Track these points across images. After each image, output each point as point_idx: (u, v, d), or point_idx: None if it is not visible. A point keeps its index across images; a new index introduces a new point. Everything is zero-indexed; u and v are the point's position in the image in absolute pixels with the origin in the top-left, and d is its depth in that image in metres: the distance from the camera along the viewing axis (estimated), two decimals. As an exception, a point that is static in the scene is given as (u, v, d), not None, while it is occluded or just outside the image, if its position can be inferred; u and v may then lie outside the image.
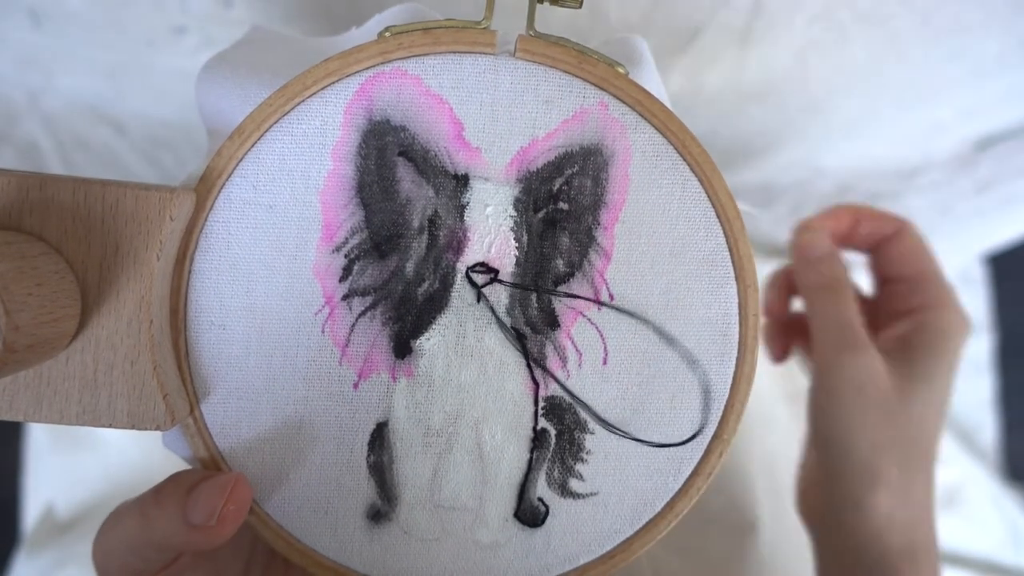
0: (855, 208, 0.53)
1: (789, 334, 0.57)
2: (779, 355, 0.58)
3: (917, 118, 0.77)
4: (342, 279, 0.35)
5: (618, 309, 0.35)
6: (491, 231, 0.35)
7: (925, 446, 0.47)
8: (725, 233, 0.35)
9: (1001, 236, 1.00)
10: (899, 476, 0.46)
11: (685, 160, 0.35)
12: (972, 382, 1.19)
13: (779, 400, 0.80)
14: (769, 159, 0.80)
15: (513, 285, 0.35)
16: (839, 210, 0.53)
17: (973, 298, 1.18)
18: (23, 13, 0.58)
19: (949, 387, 0.48)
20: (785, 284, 0.55)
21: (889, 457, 0.45)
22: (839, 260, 0.51)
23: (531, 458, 0.36)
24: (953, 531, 1.09)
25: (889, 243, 0.52)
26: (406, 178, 0.34)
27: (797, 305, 0.57)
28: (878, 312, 0.52)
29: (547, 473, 0.36)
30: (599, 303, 0.35)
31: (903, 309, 0.50)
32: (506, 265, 0.35)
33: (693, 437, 0.36)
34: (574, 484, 0.36)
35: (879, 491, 0.45)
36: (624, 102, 0.34)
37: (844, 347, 0.46)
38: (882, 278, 0.53)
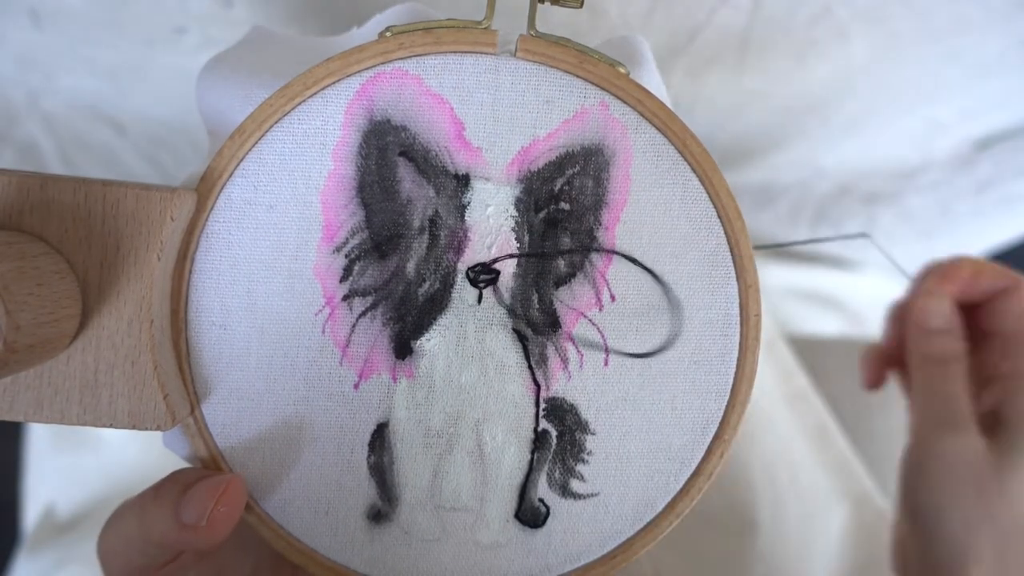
0: (977, 264, 0.49)
1: (891, 363, 0.54)
2: (875, 382, 0.56)
3: (917, 118, 0.77)
4: (343, 279, 0.35)
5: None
6: (492, 231, 0.35)
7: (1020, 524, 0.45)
8: (726, 233, 0.35)
9: (1001, 236, 1.00)
10: (993, 556, 0.44)
11: (686, 160, 0.35)
12: (972, 382, 1.18)
13: (780, 401, 0.80)
14: (769, 158, 0.81)
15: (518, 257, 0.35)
16: (960, 267, 0.49)
17: (973, 298, 1.18)
18: (23, 12, 0.58)
19: None
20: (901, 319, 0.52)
21: (983, 536, 0.44)
22: (958, 334, 0.48)
23: (532, 459, 0.36)
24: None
25: (1000, 299, 0.48)
26: (407, 178, 0.34)
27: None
28: (974, 368, 0.49)
29: (548, 474, 0.36)
30: (600, 305, 0.35)
31: (995, 371, 0.48)
32: (507, 265, 0.35)
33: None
34: (575, 485, 0.36)
35: (971, 570, 0.44)
36: (625, 102, 0.34)
37: (945, 425, 0.45)
38: (982, 332, 0.49)
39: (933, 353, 0.47)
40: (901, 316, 0.52)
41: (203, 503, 0.32)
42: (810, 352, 0.86)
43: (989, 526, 0.44)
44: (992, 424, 0.46)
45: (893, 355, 0.53)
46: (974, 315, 0.49)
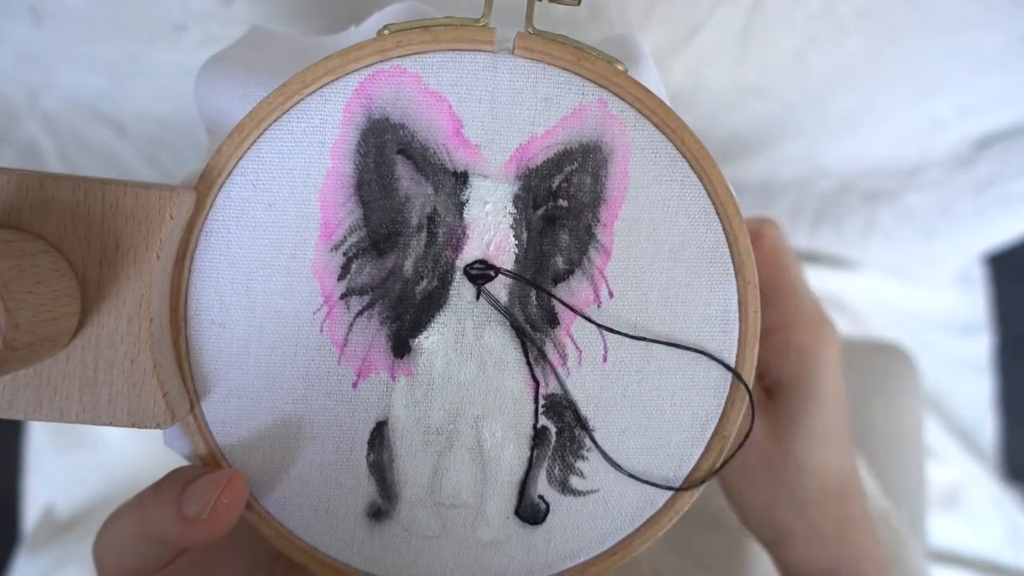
0: None
1: None
2: None
3: (917, 115, 0.77)
4: (340, 277, 0.35)
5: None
6: (490, 228, 0.35)
7: (822, 477, 0.44)
8: (724, 229, 0.35)
9: (1001, 236, 1.00)
10: (803, 525, 0.44)
11: (684, 157, 0.35)
12: (972, 382, 1.19)
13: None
14: (768, 154, 0.81)
15: (513, 276, 0.35)
16: None
17: (973, 298, 1.18)
18: (23, 10, 0.58)
19: (836, 410, 0.44)
20: None
21: (786, 513, 0.44)
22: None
23: (531, 456, 0.36)
24: (953, 531, 1.09)
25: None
26: (405, 176, 0.34)
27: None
28: None
29: (548, 471, 0.36)
30: (598, 302, 0.35)
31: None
32: (505, 262, 0.35)
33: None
34: (575, 481, 0.36)
35: (790, 547, 0.45)
36: (623, 99, 0.34)
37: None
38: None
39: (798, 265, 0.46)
40: None
41: (205, 496, 0.32)
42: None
43: (787, 501, 0.44)
44: (768, 391, 0.45)
45: None
46: None
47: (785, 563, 0.46)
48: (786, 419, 0.44)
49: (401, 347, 0.35)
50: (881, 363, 0.88)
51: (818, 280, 1.09)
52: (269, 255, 0.35)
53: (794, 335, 0.44)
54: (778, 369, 0.45)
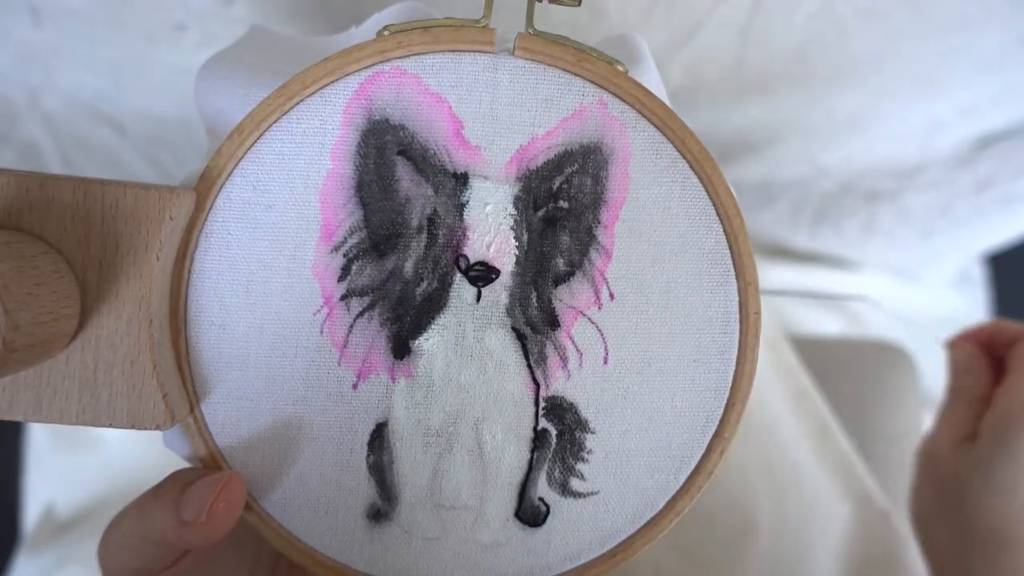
0: (998, 325, 0.58)
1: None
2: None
3: (917, 115, 0.77)
4: (341, 279, 0.35)
5: None
6: (491, 230, 0.35)
7: None
8: (725, 231, 0.35)
9: (1001, 236, 1.00)
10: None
11: (684, 158, 0.35)
12: (972, 382, 1.18)
13: (781, 401, 0.80)
14: (769, 154, 0.81)
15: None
16: (983, 328, 0.58)
17: (973, 298, 1.18)
18: (23, 10, 0.58)
19: None
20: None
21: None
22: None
23: (532, 458, 0.36)
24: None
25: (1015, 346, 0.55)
26: (405, 177, 0.34)
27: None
28: None
29: (548, 473, 0.36)
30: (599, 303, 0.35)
31: None
32: (506, 264, 0.35)
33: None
34: (575, 484, 0.36)
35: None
36: (623, 100, 0.34)
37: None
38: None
39: None
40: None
41: (202, 499, 0.32)
42: (810, 352, 0.86)
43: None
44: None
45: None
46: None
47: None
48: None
49: (401, 349, 0.35)
50: (881, 363, 0.88)
51: (818, 280, 1.09)
52: (269, 256, 0.34)
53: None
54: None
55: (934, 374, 1.13)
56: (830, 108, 0.75)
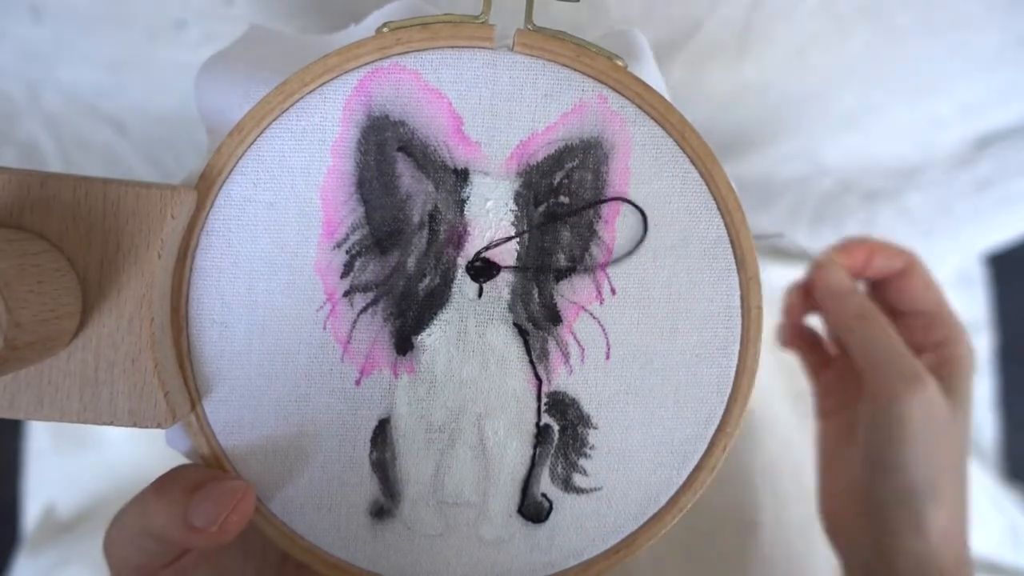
0: (868, 243, 0.53)
1: (802, 338, 0.59)
2: (788, 342, 0.60)
3: (916, 114, 0.77)
4: (343, 275, 0.35)
5: None
6: (492, 226, 0.35)
7: (965, 463, 0.49)
8: (726, 224, 0.35)
9: (1001, 235, 1.00)
10: (953, 493, 0.47)
11: (685, 152, 0.35)
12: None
13: (781, 399, 0.80)
14: (768, 152, 0.80)
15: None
16: (853, 245, 0.54)
17: (973, 298, 1.18)
18: (23, 7, 0.58)
19: (971, 415, 0.50)
20: (804, 295, 0.56)
21: (948, 477, 0.47)
22: (864, 294, 0.52)
23: (534, 454, 0.36)
24: (953, 531, 1.09)
25: (900, 278, 0.53)
26: (406, 173, 0.34)
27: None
28: None
29: (550, 469, 0.36)
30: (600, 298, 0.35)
31: (925, 343, 0.51)
32: (507, 260, 0.35)
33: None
34: (578, 479, 0.36)
35: (941, 510, 0.46)
36: (623, 95, 0.34)
37: (908, 379, 0.47)
38: (894, 312, 0.53)
39: (859, 309, 0.50)
40: (805, 293, 0.55)
41: (217, 509, 0.32)
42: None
43: (952, 468, 0.47)
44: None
45: (802, 334, 0.59)
46: (887, 299, 0.54)
47: (923, 537, 0.47)
48: (957, 404, 0.49)
49: (404, 344, 0.35)
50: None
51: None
52: (271, 253, 0.35)
53: (962, 350, 0.51)
54: (946, 370, 0.50)
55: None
56: (830, 107, 0.75)
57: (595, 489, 0.36)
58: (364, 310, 0.35)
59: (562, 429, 0.36)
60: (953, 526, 0.47)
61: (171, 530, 0.32)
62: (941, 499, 0.46)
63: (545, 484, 0.36)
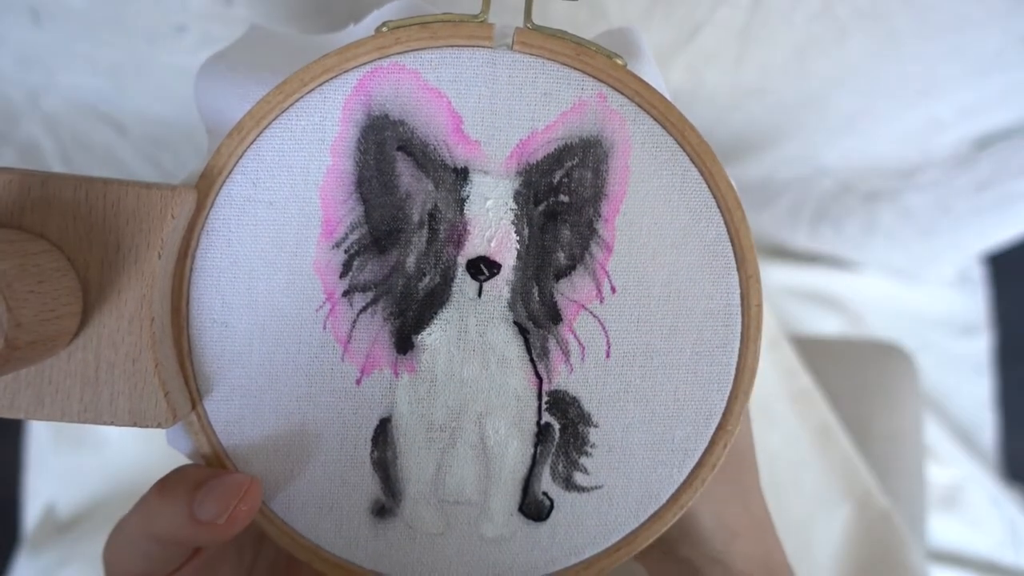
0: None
1: None
2: None
3: (916, 115, 0.78)
4: (342, 275, 0.35)
5: None
6: (492, 224, 0.35)
7: (749, 468, 0.43)
8: (726, 223, 0.35)
9: (1001, 235, 1.00)
10: (744, 515, 0.42)
11: (684, 150, 0.35)
12: (972, 382, 1.19)
13: (783, 400, 0.81)
14: (768, 154, 0.81)
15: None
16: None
17: (973, 298, 1.18)
18: (24, 11, 0.58)
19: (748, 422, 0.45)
20: None
21: (734, 505, 0.42)
22: None
23: (535, 452, 0.36)
24: (953, 531, 1.10)
25: None
26: (405, 172, 0.34)
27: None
28: None
29: (551, 467, 0.36)
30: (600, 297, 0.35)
31: None
32: (507, 258, 0.35)
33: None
34: (579, 478, 0.36)
35: (738, 541, 0.41)
36: (623, 93, 0.34)
37: None
38: None
39: None
40: None
41: (224, 501, 0.32)
42: (810, 352, 0.86)
43: (738, 497, 0.42)
44: None
45: None
46: None
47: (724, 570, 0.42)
48: None
49: (404, 343, 0.35)
50: (881, 363, 0.89)
51: (818, 280, 1.09)
52: (271, 253, 0.35)
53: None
54: None
55: (934, 374, 1.13)
56: (830, 108, 0.75)
57: (596, 487, 0.36)
58: (364, 309, 0.35)
59: (563, 427, 0.36)
60: (754, 548, 0.42)
61: (177, 529, 0.32)
62: (734, 533, 0.41)
63: (546, 482, 0.36)
